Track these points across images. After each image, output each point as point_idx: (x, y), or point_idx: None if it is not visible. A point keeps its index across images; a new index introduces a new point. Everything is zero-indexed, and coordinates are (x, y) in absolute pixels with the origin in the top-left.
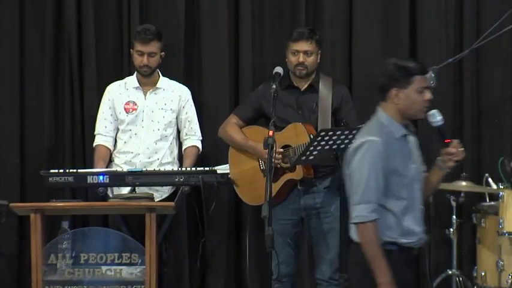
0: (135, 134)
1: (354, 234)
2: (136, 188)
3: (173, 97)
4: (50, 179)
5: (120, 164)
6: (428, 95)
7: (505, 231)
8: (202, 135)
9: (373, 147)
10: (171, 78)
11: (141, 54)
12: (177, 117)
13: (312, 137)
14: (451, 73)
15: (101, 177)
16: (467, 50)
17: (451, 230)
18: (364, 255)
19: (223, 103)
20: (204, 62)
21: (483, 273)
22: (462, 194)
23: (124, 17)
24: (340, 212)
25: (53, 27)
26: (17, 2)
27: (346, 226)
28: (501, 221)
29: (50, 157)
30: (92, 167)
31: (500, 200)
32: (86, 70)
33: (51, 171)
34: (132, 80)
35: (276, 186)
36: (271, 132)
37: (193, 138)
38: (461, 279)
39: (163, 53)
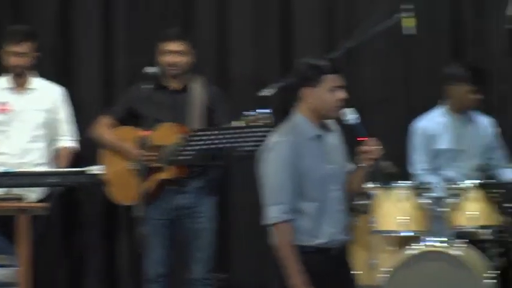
0: (8, 134)
1: (271, 237)
2: (10, 189)
3: (46, 98)
4: None
5: None
6: (340, 94)
7: (377, 230)
8: (78, 136)
9: (283, 148)
10: (44, 79)
11: (13, 54)
12: (52, 118)
13: (183, 137)
14: None
15: None
16: (340, 50)
17: None
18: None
19: (96, 103)
20: (77, 62)
21: (358, 273)
22: None
23: None
24: (214, 212)
25: None
26: None
27: (219, 226)
28: (373, 219)
29: None
30: None
31: (373, 199)
32: None
33: None
34: (4, 81)
35: (148, 186)
36: (145, 133)
37: (67, 139)
38: None
39: (36, 53)
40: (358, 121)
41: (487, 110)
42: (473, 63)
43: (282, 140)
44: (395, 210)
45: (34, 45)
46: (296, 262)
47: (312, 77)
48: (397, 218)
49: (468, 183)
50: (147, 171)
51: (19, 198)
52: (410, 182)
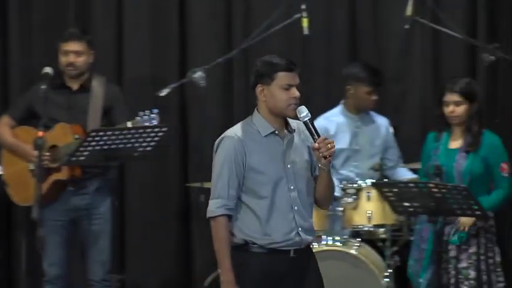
0: None
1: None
2: None
3: None
4: None
5: None
6: (294, 92)
7: None
8: None
9: (229, 144)
10: None
11: None
12: None
13: (77, 137)
14: (221, 72)
15: None
16: (237, 50)
17: None
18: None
19: None
20: None
21: None
22: None
23: None
24: (111, 213)
25: None
26: None
27: (117, 227)
28: None
29: None
30: None
31: None
32: None
33: None
34: None
35: (44, 187)
36: (40, 133)
37: None
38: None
39: None
40: (309, 117)
41: (383, 110)
42: (371, 64)
43: (228, 136)
44: None
45: None
46: (228, 258)
47: (265, 74)
48: None
49: (364, 182)
50: (43, 172)
51: None
52: None
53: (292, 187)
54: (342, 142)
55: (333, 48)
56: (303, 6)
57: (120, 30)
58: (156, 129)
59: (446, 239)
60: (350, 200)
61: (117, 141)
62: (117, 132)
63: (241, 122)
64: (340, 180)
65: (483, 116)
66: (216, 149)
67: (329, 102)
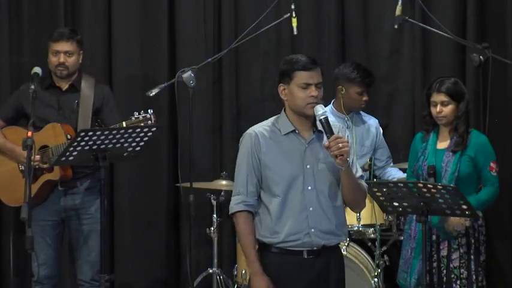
0: None
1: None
2: None
3: None
4: None
5: None
6: (312, 91)
7: None
8: None
9: (248, 140)
10: None
11: None
12: None
13: (69, 137)
14: (211, 72)
15: None
16: (226, 50)
17: (212, 229)
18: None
19: None
20: None
21: (243, 272)
22: (222, 193)
23: None
24: (101, 213)
25: None
26: None
27: (106, 227)
28: None
29: None
30: None
31: None
32: None
33: None
34: None
35: (34, 187)
36: (29, 133)
37: None
38: (221, 277)
39: None
40: (325, 116)
41: (372, 110)
42: (362, 64)
43: (248, 133)
44: None
45: None
46: (252, 250)
47: (285, 73)
48: None
49: None
50: (32, 172)
51: None
52: None
53: (310, 187)
54: None
55: (322, 48)
56: (292, 6)
57: (110, 30)
58: (145, 129)
59: (435, 239)
60: None
61: (107, 141)
62: (106, 132)
63: (269, 119)
64: None
65: (470, 115)
66: (239, 146)
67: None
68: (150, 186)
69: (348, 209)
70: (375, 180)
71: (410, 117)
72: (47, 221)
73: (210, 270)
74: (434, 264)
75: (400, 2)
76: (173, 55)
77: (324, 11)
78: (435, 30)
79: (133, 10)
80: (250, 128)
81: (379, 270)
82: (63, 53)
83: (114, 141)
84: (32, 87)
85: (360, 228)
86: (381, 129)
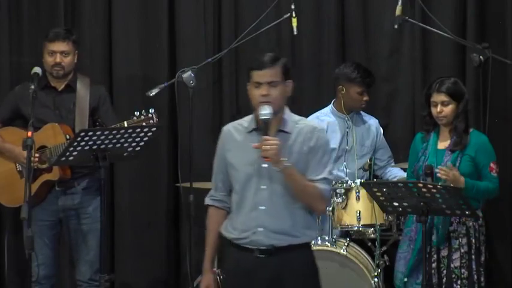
0: None
1: None
2: None
3: None
4: None
5: None
6: (262, 90)
7: None
8: None
9: (220, 137)
10: None
11: None
12: None
13: (68, 137)
14: (211, 72)
15: None
16: (226, 50)
17: None
18: None
19: None
20: None
21: None
22: None
23: None
24: (101, 212)
25: None
26: None
27: (106, 227)
28: None
29: None
30: None
31: None
32: None
33: None
34: None
35: (33, 187)
36: (29, 133)
37: None
38: (222, 277)
39: None
40: (268, 118)
41: (372, 110)
42: (362, 64)
43: (223, 128)
44: None
45: None
46: (209, 247)
47: (247, 72)
48: None
49: (354, 182)
50: (31, 173)
51: None
52: None
53: (264, 186)
54: (332, 142)
55: (322, 48)
56: (292, 6)
57: (110, 30)
58: (145, 129)
59: (434, 238)
60: (339, 199)
61: (107, 141)
62: (106, 132)
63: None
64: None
65: (470, 115)
66: None
67: (318, 102)
68: (150, 186)
69: (348, 209)
70: (375, 180)
71: (410, 117)
72: (45, 221)
73: None
74: (434, 265)
75: (400, 2)
76: (173, 55)
77: (324, 11)
78: (435, 30)
79: (133, 10)
80: (228, 123)
81: (379, 270)
82: (59, 53)
83: (114, 141)
84: (32, 87)
85: (360, 228)
86: (381, 129)
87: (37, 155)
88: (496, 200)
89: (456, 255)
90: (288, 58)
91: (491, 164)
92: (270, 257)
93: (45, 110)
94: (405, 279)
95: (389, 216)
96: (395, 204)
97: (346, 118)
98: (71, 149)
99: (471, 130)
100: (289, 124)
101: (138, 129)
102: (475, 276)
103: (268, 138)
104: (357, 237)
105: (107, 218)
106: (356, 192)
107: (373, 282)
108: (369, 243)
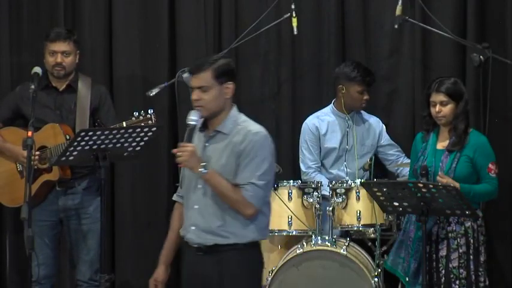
0: None
1: None
2: None
3: None
4: None
5: None
6: (193, 95)
7: None
8: None
9: None
10: None
11: None
12: None
13: (68, 137)
14: None
15: None
16: (226, 50)
17: None
18: None
19: None
20: None
21: None
22: None
23: None
24: (101, 212)
25: None
26: None
27: (106, 227)
28: None
29: None
30: None
31: None
32: None
33: None
34: None
35: (33, 188)
36: (30, 133)
37: None
38: None
39: None
40: (194, 126)
41: (372, 109)
42: (362, 64)
43: None
44: (282, 209)
45: None
46: (167, 241)
47: None
48: (285, 217)
49: (354, 182)
50: (32, 173)
51: None
52: (297, 181)
53: (199, 186)
54: (333, 141)
55: (322, 48)
56: (292, 6)
57: (110, 30)
58: (145, 129)
59: (434, 238)
60: (340, 199)
61: (107, 141)
62: (106, 132)
63: None
64: (330, 180)
65: (469, 115)
66: None
67: (319, 102)
68: (150, 186)
69: (348, 209)
70: (375, 180)
71: (410, 117)
72: (45, 222)
73: None
74: (433, 264)
75: (400, 2)
76: (173, 55)
77: (324, 11)
78: (435, 30)
79: (133, 10)
80: None
81: (379, 270)
82: (61, 53)
83: (114, 141)
84: (32, 87)
85: (360, 228)
86: (383, 125)
87: (37, 152)
88: (496, 200)
89: (454, 255)
90: (288, 58)
91: (490, 165)
92: (205, 255)
93: (45, 110)
94: (407, 279)
95: (390, 216)
96: (396, 204)
97: (347, 118)
98: (71, 149)
99: (471, 130)
100: (229, 125)
101: (139, 129)
102: (473, 277)
103: (184, 144)
104: (357, 237)
105: (107, 218)
106: (356, 192)
107: (373, 282)
108: (369, 243)
